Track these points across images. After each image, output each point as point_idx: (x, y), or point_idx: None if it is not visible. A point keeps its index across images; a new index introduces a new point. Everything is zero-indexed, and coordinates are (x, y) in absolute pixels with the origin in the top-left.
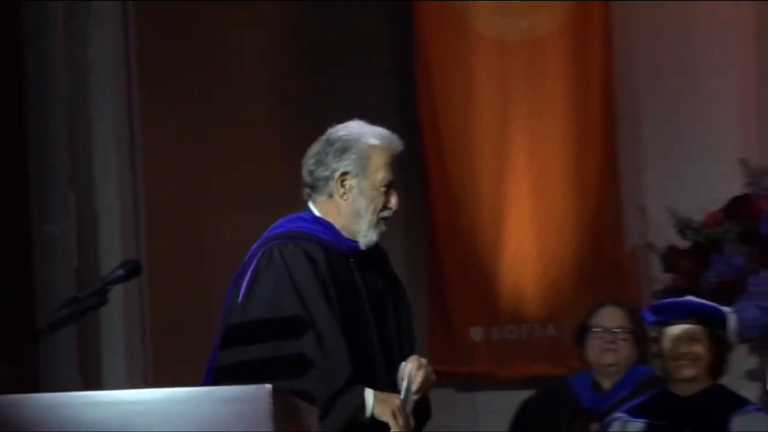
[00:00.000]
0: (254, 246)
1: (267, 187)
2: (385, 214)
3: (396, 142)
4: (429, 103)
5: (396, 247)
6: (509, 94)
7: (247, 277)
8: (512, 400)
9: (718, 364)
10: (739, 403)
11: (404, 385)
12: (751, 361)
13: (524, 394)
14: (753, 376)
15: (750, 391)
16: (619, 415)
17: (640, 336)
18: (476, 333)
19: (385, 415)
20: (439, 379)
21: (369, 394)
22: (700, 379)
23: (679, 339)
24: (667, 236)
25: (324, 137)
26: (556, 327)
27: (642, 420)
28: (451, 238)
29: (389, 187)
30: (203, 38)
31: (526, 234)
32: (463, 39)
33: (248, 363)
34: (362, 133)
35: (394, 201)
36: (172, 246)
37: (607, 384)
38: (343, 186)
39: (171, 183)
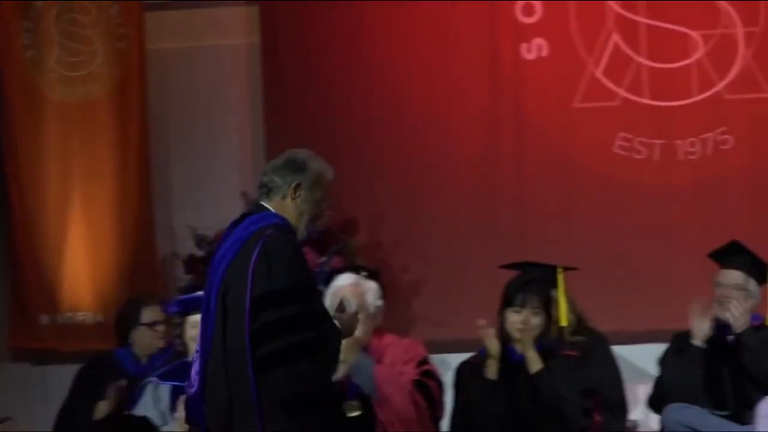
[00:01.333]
0: (239, 234)
1: None
2: (315, 218)
3: (331, 173)
4: (12, 152)
5: None
6: (71, 144)
7: (254, 259)
8: (74, 370)
9: None
10: None
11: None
12: None
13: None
14: None
15: None
16: (151, 379)
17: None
18: (44, 319)
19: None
20: (17, 355)
21: (336, 322)
22: None
23: (196, 324)
24: (189, 248)
25: (285, 157)
26: (104, 314)
27: (169, 383)
28: (26, 252)
29: (321, 200)
30: None
31: (81, 247)
32: (37, 103)
33: (286, 318)
34: (314, 160)
35: (323, 209)
36: None
37: (144, 359)
38: (295, 192)
39: None
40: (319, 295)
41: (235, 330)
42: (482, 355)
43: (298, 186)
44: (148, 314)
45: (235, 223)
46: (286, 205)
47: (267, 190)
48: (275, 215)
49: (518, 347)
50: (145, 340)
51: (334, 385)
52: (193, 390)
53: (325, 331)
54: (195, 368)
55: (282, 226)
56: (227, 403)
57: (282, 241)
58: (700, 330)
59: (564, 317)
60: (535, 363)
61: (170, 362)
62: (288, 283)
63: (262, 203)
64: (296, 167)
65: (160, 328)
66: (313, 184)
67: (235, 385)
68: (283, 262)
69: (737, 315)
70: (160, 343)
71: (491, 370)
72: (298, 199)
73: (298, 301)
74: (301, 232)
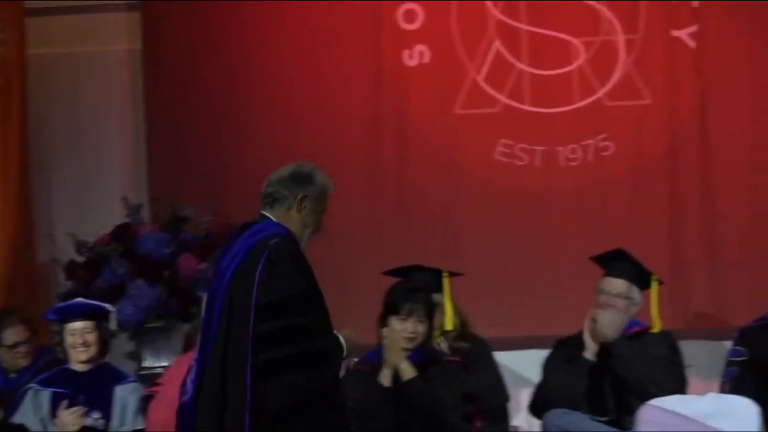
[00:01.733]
0: (243, 243)
1: None
2: (317, 229)
3: (333, 186)
4: None
5: None
6: None
7: (260, 267)
8: None
9: (104, 347)
10: (120, 376)
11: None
12: (130, 345)
13: None
14: (131, 356)
15: (129, 367)
16: (31, 385)
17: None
18: None
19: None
20: None
21: (341, 337)
22: (92, 360)
23: (75, 331)
24: (69, 253)
25: (291, 169)
26: None
27: (50, 389)
28: None
29: (323, 212)
30: None
31: None
32: None
33: (285, 327)
34: (318, 173)
35: (322, 222)
36: None
37: (12, 374)
38: (301, 204)
39: None
40: (322, 306)
41: (238, 337)
42: (370, 362)
43: (304, 198)
44: (9, 336)
45: (238, 233)
46: (290, 216)
47: (271, 201)
48: (278, 225)
49: (388, 358)
50: (9, 360)
51: (337, 396)
52: (186, 397)
53: (323, 343)
54: (190, 376)
55: (286, 236)
56: (219, 409)
57: (287, 251)
58: (593, 345)
59: (449, 321)
60: (407, 371)
61: (48, 368)
62: (291, 293)
63: (265, 213)
64: (303, 179)
65: (22, 348)
66: (319, 196)
67: (231, 390)
68: (287, 272)
69: (605, 324)
70: (24, 362)
71: (386, 379)
72: (303, 211)
73: (299, 311)
74: (304, 243)
